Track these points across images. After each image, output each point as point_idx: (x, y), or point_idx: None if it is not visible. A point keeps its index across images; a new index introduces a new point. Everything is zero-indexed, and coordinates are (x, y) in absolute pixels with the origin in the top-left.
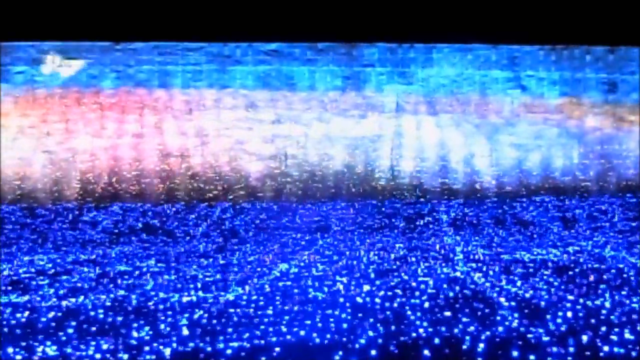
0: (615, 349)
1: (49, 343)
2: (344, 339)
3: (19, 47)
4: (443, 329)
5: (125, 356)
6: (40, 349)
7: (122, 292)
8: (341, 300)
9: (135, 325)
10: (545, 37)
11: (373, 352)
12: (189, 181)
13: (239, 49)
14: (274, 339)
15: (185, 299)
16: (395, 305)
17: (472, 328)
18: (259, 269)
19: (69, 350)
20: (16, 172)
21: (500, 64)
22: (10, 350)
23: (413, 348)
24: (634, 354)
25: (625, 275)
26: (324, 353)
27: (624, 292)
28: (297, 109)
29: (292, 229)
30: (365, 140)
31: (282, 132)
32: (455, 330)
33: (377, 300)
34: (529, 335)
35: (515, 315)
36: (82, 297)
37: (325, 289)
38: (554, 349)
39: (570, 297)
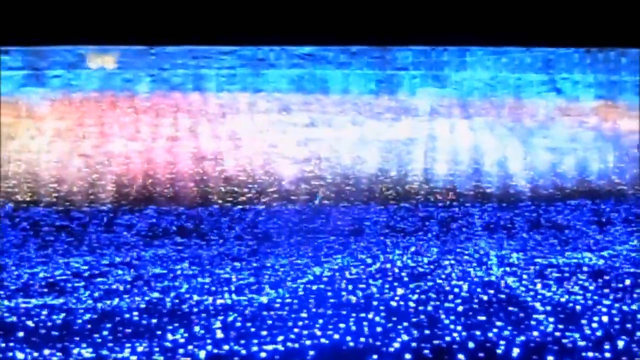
0: None
1: (84, 345)
2: (378, 343)
3: (55, 52)
4: (477, 333)
5: (160, 358)
6: (75, 350)
7: (156, 295)
8: (375, 303)
9: (169, 327)
10: (580, 40)
11: (407, 356)
12: (223, 184)
13: (272, 53)
14: (307, 342)
15: (219, 302)
16: (429, 308)
17: (506, 332)
18: (292, 272)
19: (104, 352)
20: (52, 175)
21: (534, 67)
22: (46, 352)
23: (447, 352)
24: None
25: None
26: (358, 356)
27: None
28: (330, 112)
29: (325, 232)
30: (398, 143)
31: (315, 136)
32: (490, 335)
33: (411, 303)
34: (564, 340)
35: (550, 319)
36: (117, 300)
37: (359, 293)
38: (590, 354)
39: (606, 302)
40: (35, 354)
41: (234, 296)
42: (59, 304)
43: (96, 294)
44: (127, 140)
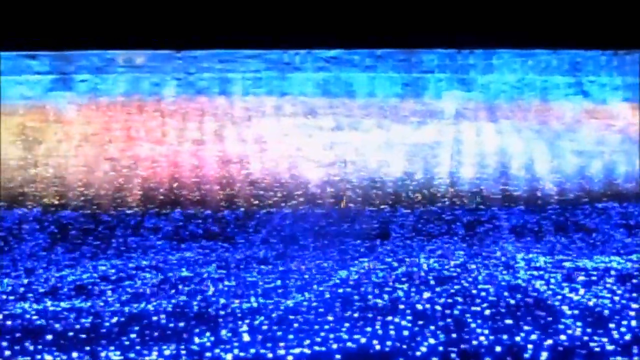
0: None
1: (112, 348)
2: (405, 346)
3: (82, 56)
4: (505, 337)
5: None
6: (103, 354)
7: (183, 298)
8: (401, 307)
9: (196, 330)
10: (607, 42)
11: None
12: (249, 188)
13: (298, 56)
14: (334, 345)
15: (245, 305)
16: (456, 312)
17: (534, 336)
18: (318, 276)
19: (131, 355)
20: (80, 179)
21: (561, 70)
22: (74, 355)
23: (474, 356)
24: None
25: None
26: None
27: None
28: (356, 115)
29: (351, 235)
30: (424, 147)
31: (341, 139)
32: (517, 339)
33: (438, 307)
34: (593, 344)
35: (578, 323)
36: (144, 303)
37: (385, 296)
38: (618, 358)
39: (635, 306)
40: (64, 357)
41: (260, 299)
42: (87, 307)
43: (123, 297)
44: (154, 144)
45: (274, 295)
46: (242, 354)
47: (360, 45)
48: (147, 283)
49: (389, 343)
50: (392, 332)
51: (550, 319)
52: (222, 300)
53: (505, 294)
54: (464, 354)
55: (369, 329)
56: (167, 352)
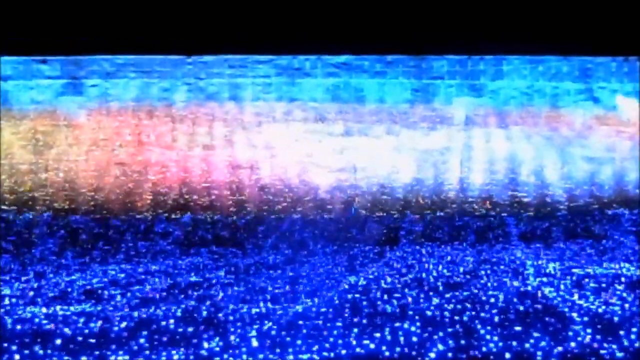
0: None
1: (121, 352)
2: (414, 352)
3: (93, 61)
4: (514, 343)
5: None
6: (112, 358)
7: (192, 303)
8: (410, 313)
9: (205, 336)
10: (617, 48)
11: None
12: (259, 193)
13: (308, 62)
14: (343, 351)
15: (254, 311)
16: (465, 318)
17: (543, 343)
18: (327, 281)
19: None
20: (90, 183)
21: (571, 76)
22: (83, 359)
23: None
24: None
25: None
26: None
27: None
28: (366, 121)
29: (361, 241)
30: (434, 152)
31: (351, 145)
32: (527, 345)
33: (447, 313)
34: (602, 351)
35: (588, 330)
36: (153, 308)
37: (394, 302)
38: None
39: None
40: None
41: (269, 305)
42: (96, 312)
43: (133, 302)
44: (164, 149)
45: (283, 301)
46: (250, 359)
47: (371, 51)
48: (157, 288)
49: (397, 349)
50: (401, 338)
51: (559, 325)
52: (231, 306)
53: (515, 300)
54: None
55: (377, 334)
56: (175, 357)
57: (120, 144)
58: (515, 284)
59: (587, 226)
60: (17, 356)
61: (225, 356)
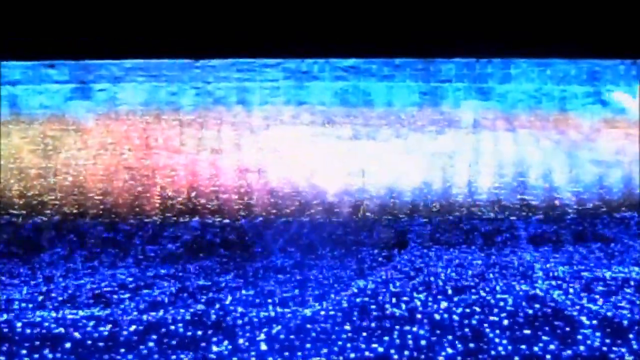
0: None
1: (130, 356)
2: (422, 356)
3: (101, 65)
4: (523, 347)
5: None
6: None
7: (201, 307)
8: (419, 316)
9: (214, 339)
10: (626, 51)
11: None
12: (267, 197)
13: (316, 65)
14: (352, 355)
15: (263, 314)
16: (474, 322)
17: (552, 347)
18: (336, 285)
19: None
20: (99, 187)
21: (579, 79)
22: None
23: None
24: None
25: None
26: None
27: None
28: (374, 124)
29: (369, 244)
30: (442, 156)
31: (359, 148)
32: (536, 349)
33: (455, 317)
34: (612, 355)
35: (597, 334)
36: (162, 311)
37: (403, 306)
38: None
39: None
40: None
41: (278, 308)
42: (105, 316)
43: (141, 306)
44: (172, 153)
45: (292, 304)
46: None
47: (378, 54)
48: (165, 292)
49: (406, 352)
50: (409, 342)
51: (568, 329)
52: (240, 309)
53: (524, 303)
54: None
55: (386, 338)
56: None
57: (129, 148)
58: (524, 287)
59: (595, 229)
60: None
61: (234, 359)
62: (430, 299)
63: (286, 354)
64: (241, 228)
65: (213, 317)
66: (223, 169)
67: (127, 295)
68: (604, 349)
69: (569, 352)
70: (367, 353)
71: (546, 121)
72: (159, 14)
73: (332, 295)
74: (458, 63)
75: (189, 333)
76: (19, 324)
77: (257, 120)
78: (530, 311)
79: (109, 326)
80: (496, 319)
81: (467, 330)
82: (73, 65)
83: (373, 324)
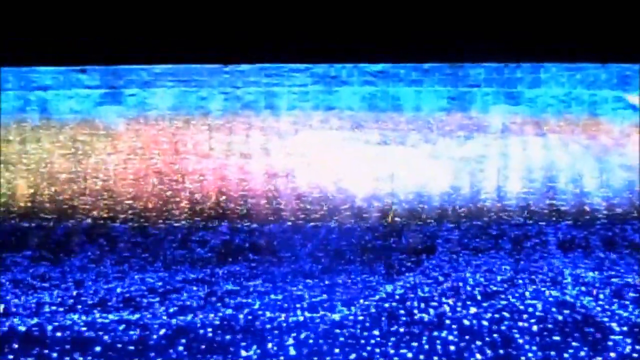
0: None
1: None
2: None
3: (131, 70)
4: (552, 353)
5: None
6: None
7: (230, 311)
8: (447, 322)
9: (243, 344)
10: None
11: None
12: (295, 201)
13: (344, 70)
14: None
15: (291, 319)
16: (503, 328)
17: (582, 353)
18: (364, 290)
19: None
20: (128, 191)
21: (610, 83)
22: None
23: None
24: None
25: None
26: None
27: None
28: (402, 129)
29: (397, 249)
30: (471, 161)
31: (387, 153)
32: (566, 355)
33: (485, 322)
34: None
35: (628, 340)
36: (191, 316)
37: (432, 311)
38: None
39: None
40: None
41: (306, 313)
42: (135, 320)
43: (171, 310)
44: (201, 158)
45: (320, 309)
46: None
47: (407, 59)
48: (194, 296)
49: (435, 358)
50: (438, 347)
51: (599, 335)
52: (269, 314)
53: (553, 309)
54: None
55: (415, 343)
56: None
57: (158, 152)
58: (554, 293)
59: (625, 235)
60: None
61: None
62: (459, 304)
63: (315, 358)
64: (270, 233)
65: (242, 321)
66: (252, 174)
67: (156, 300)
68: (635, 355)
69: (599, 358)
70: (395, 359)
71: (576, 126)
72: (188, 20)
73: (361, 300)
74: (487, 68)
75: (218, 337)
76: (49, 328)
77: (285, 125)
78: (560, 317)
79: (138, 330)
80: (525, 324)
81: (496, 336)
82: (103, 70)
83: (402, 329)
